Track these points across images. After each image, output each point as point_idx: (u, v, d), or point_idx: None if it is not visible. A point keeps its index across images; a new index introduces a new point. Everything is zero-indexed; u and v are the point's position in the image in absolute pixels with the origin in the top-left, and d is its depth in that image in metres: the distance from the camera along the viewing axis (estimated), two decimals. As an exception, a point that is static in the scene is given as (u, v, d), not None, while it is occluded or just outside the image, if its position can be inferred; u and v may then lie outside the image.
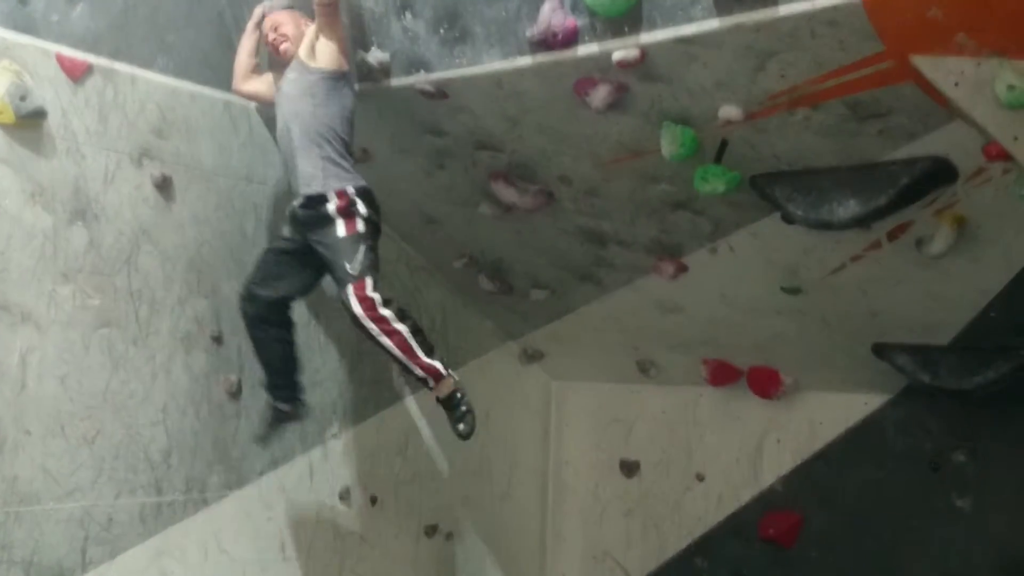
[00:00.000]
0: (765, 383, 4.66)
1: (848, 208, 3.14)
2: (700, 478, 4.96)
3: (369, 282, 3.32)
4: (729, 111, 3.09)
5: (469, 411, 3.50)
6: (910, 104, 2.84)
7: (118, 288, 3.42)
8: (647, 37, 2.94)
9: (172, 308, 3.61)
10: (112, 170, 3.41)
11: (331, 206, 3.40)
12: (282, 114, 3.54)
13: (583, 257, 4.33)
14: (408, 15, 3.42)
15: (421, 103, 3.62)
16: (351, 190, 3.43)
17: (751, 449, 4.81)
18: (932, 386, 3.94)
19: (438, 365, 3.44)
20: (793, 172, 3.27)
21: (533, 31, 3.13)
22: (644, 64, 3.02)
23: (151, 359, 3.52)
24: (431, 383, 3.46)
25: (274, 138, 3.78)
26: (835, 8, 2.56)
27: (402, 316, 3.38)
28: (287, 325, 3.69)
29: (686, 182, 3.47)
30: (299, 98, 3.46)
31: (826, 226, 3.25)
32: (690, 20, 2.83)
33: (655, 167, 3.49)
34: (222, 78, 3.78)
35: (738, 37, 2.79)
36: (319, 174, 3.42)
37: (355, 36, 3.59)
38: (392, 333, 3.35)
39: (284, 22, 3.60)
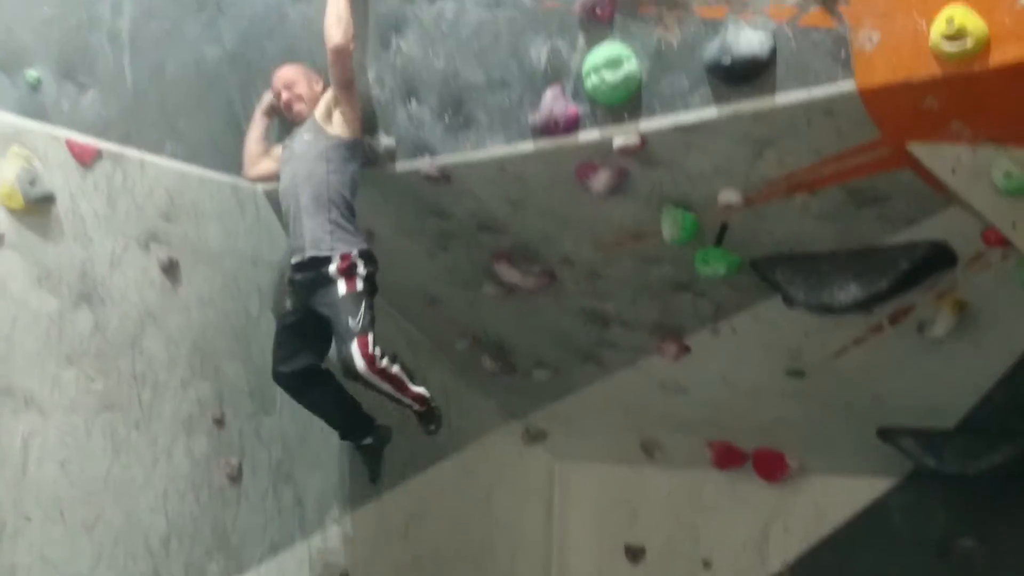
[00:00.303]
0: (771, 466, 4.62)
1: (849, 292, 3.16)
2: (707, 564, 4.87)
3: (371, 338, 3.40)
4: (728, 196, 3.14)
5: (441, 415, 3.88)
6: (908, 190, 2.87)
7: (122, 371, 3.41)
8: (647, 124, 3.00)
9: (175, 391, 3.59)
10: (119, 254, 3.44)
11: (332, 267, 3.45)
12: (291, 171, 3.57)
13: (586, 337, 4.34)
14: (414, 102, 3.49)
15: (425, 187, 3.67)
16: (355, 252, 3.49)
17: (757, 534, 4.75)
18: (937, 471, 3.91)
19: (423, 392, 3.69)
20: (793, 256, 3.30)
21: (535, 118, 3.19)
22: (644, 150, 3.07)
23: (153, 443, 3.50)
24: (417, 407, 3.73)
25: (280, 220, 3.83)
26: (831, 98, 2.62)
27: (393, 359, 3.52)
28: (325, 379, 3.78)
29: (687, 265, 3.50)
30: (314, 161, 3.50)
31: (827, 310, 3.26)
32: (688, 108, 2.89)
33: (656, 250, 3.53)
34: (230, 162, 3.84)
35: (736, 125, 2.84)
36: (327, 237, 3.47)
37: (361, 122, 3.65)
38: (391, 379, 3.50)
39: (296, 80, 3.63)
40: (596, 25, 2.99)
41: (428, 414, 3.80)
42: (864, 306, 3.25)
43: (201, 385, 3.70)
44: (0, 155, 3.09)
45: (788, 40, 2.63)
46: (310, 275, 3.51)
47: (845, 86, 2.57)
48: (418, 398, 3.67)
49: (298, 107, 3.64)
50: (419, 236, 4.09)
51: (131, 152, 3.51)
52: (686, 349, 4.06)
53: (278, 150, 3.78)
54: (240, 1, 3.86)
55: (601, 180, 3.28)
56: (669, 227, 3.32)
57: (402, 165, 3.63)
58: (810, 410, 4.15)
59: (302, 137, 3.58)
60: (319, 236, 3.47)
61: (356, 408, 3.89)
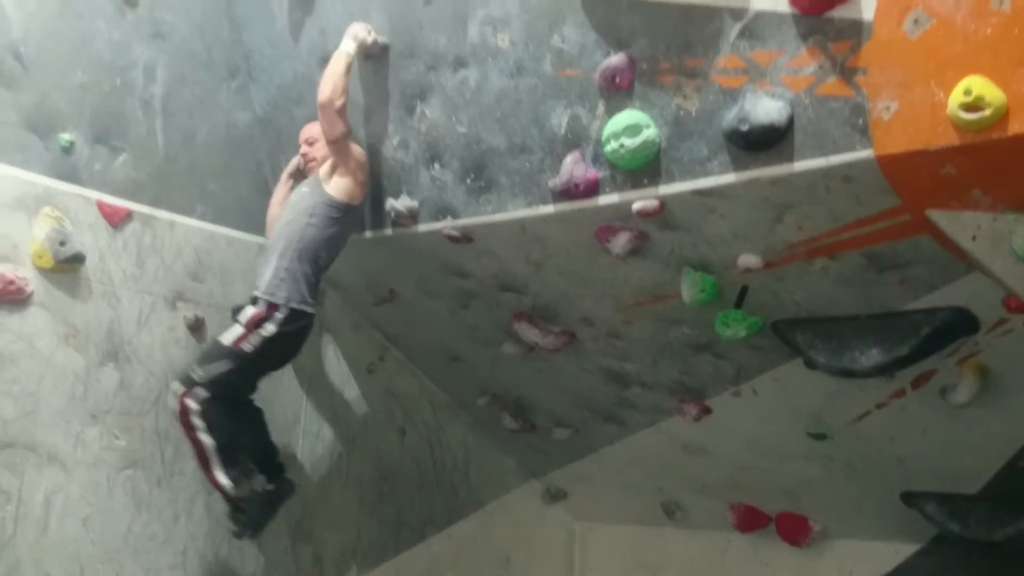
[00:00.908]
0: (794, 530, 4.55)
1: (870, 357, 3.13)
2: (728, 628, 4.79)
3: (200, 395, 3.33)
4: (748, 259, 3.14)
5: (249, 524, 3.56)
6: (928, 256, 2.87)
7: (145, 429, 3.45)
8: (666, 189, 3.03)
9: (197, 448, 3.61)
10: (146, 312, 3.50)
11: (247, 312, 3.43)
12: (283, 216, 3.61)
13: (606, 397, 4.33)
14: (437, 166, 3.55)
15: (447, 247, 3.71)
16: (283, 305, 3.43)
17: (780, 598, 4.66)
18: (962, 536, 3.83)
19: (224, 483, 3.40)
20: (814, 319, 3.29)
21: (556, 181, 3.23)
22: (663, 214, 3.09)
23: (174, 500, 3.52)
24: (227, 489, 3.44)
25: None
26: (849, 164, 2.63)
27: (209, 429, 3.36)
28: (243, 421, 3.59)
29: (707, 326, 3.50)
30: (301, 212, 3.54)
31: (849, 374, 3.24)
32: (707, 174, 2.92)
33: (676, 311, 3.53)
34: (258, 223, 3.92)
35: (755, 191, 2.86)
36: (274, 281, 3.45)
37: (385, 184, 3.72)
38: (194, 441, 3.37)
39: (319, 138, 3.68)
40: (615, 93, 3.04)
41: (235, 509, 3.53)
42: (886, 371, 3.22)
43: (223, 442, 3.72)
44: (32, 216, 3.17)
45: (805, 108, 2.66)
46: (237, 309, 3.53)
47: (863, 154, 2.59)
48: (217, 485, 3.42)
49: (311, 166, 3.71)
50: (441, 295, 4.12)
51: (161, 213, 3.59)
52: (707, 410, 4.03)
53: None
54: (270, 68, 3.97)
55: (621, 242, 3.30)
56: (689, 289, 3.33)
57: (424, 226, 3.68)
58: (833, 473, 4.10)
59: (301, 189, 3.64)
60: (268, 279, 3.46)
61: (274, 451, 3.72)
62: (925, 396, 3.44)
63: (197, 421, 3.34)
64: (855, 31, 2.56)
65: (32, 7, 3.21)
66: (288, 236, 3.50)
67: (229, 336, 3.40)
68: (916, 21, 2.46)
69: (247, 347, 3.39)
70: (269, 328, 3.41)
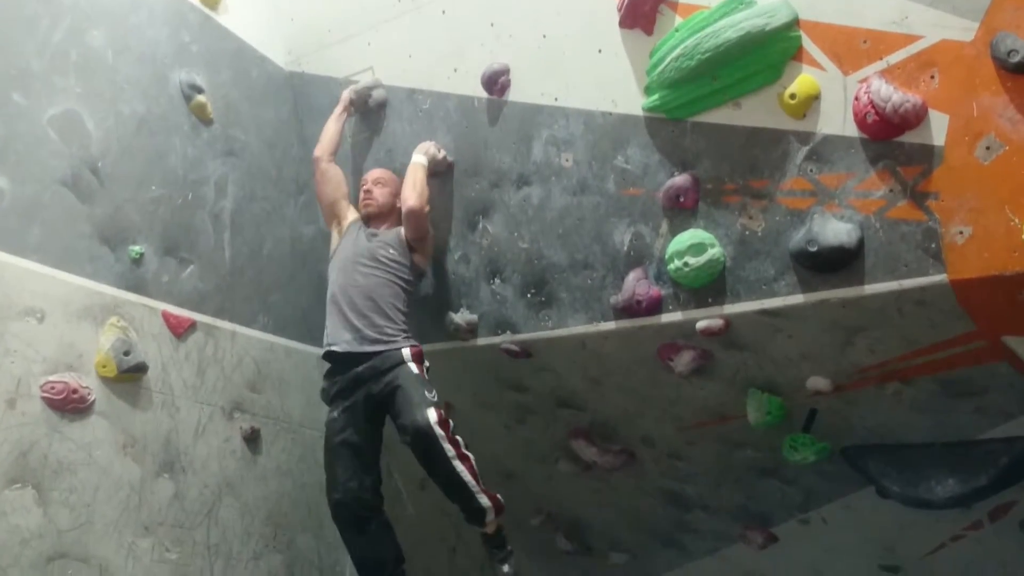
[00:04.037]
0: (865, 668, 4.29)
1: (947, 487, 3.01)
2: None
3: (443, 412, 3.33)
4: (817, 382, 3.07)
5: (512, 551, 3.48)
6: (1005, 382, 2.78)
7: (196, 542, 3.40)
8: (731, 308, 2.99)
9: (247, 563, 3.56)
10: (204, 423, 3.50)
11: (407, 351, 3.45)
12: (366, 272, 3.57)
13: (665, 521, 4.18)
14: (497, 280, 3.56)
15: (505, 361, 3.68)
16: (419, 346, 3.53)
17: None
18: None
19: (499, 496, 3.40)
20: (886, 446, 3.18)
21: (618, 298, 3.21)
22: (728, 333, 3.05)
23: (221, 616, 3.44)
24: (490, 516, 3.38)
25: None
26: (923, 288, 2.59)
27: (467, 446, 3.36)
28: (382, 516, 3.50)
29: (774, 450, 3.39)
30: (390, 272, 3.57)
31: (924, 505, 3.11)
32: (774, 295, 2.88)
33: (741, 433, 3.44)
34: (316, 335, 3.91)
35: (824, 312, 2.81)
36: (399, 334, 3.49)
37: (445, 298, 3.73)
38: (464, 458, 3.32)
39: (385, 183, 3.76)
40: (679, 212, 3.04)
41: (497, 537, 3.48)
42: (963, 502, 3.10)
43: (273, 558, 3.67)
44: (99, 325, 3.21)
45: (876, 231, 2.63)
46: (376, 364, 3.45)
47: (937, 278, 2.54)
48: (494, 498, 3.38)
49: (370, 210, 3.74)
50: (497, 409, 4.07)
51: (224, 324, 3.63)
52: (773, 538, 3.88)
53: (340, 175, 3.86)
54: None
55: (684, 360, 3.25)
56: (755, 411, 3.25)
57: (483, 340, 3.67)
58: (906, 608, 3.88)
59: (387, 250, 3.62)
60: (391, 332, 3.48)
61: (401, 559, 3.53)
62: (1004, 529, 3.29)
63: (459, 437, 3.35)
64: (926, 156, 2.55)
65: (111, 124, 3.34)
66: (395, 294, 3.56)
67: (414, 369, 3.44)
68: (988, 147, 2.45)
69: (426, 373, 3.48)
70: (426, 361, 3.51)
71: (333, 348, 3.52)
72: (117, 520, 3.18)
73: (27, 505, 2.93)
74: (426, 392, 3.36)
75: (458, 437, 3.34)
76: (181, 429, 3.43)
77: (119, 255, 3.33)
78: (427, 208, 3.60)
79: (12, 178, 3.00)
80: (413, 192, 3.56)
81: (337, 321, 3.55)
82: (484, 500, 3.36)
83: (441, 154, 3.66)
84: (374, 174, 3.81)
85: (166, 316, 3.44)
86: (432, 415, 3.27)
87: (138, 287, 3.38)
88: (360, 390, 3.48)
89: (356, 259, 3.61)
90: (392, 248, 3.64)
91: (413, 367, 3.44)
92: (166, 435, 3.37)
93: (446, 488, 3.35)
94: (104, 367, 3.21)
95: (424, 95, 3.75)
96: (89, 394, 3.15)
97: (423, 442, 3.27)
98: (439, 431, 3.26)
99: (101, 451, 3.17)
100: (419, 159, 3.63)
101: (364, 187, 3.78)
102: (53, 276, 3.10)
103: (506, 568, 3.49)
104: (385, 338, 3.48)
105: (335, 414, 3.52)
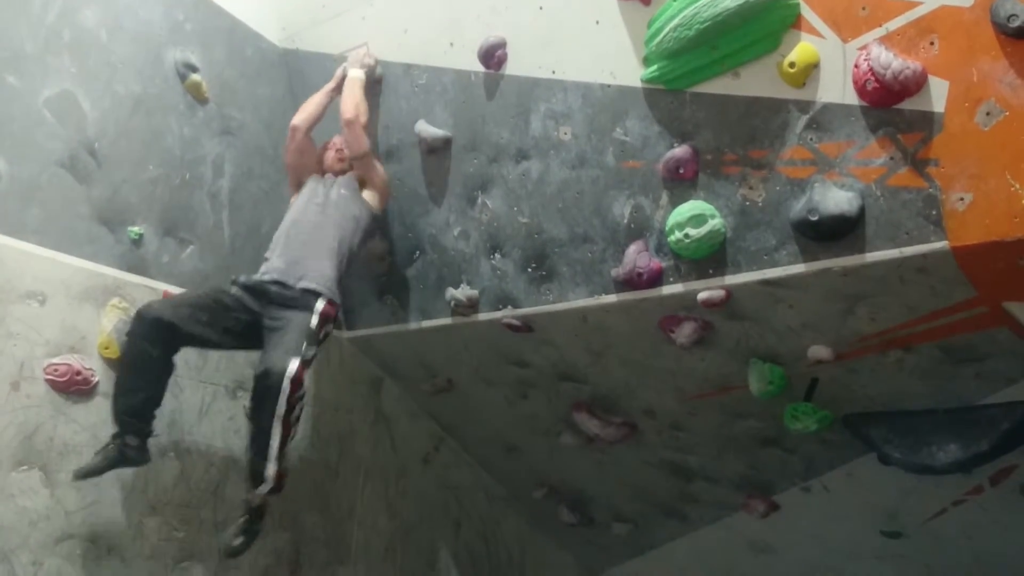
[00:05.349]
0: (867, 634, 4.34)
1: (949, 453, 3.03)
2: None
3: (308, 373, 3.17)
4: (818, 351, 3.07)
5: (259, 532, 3.23)
6: (1006, 349, 2.78)
7: (203, 520, 3.42)
8: (732, 279, 2.99)
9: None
10: (208, 402, 3.51)
11: (321, 303, 3.33)
12: (316, 211, 3.55)
13: (668, 491, 4.21)
14: (497, 255, 3.56)
15: (507, 336, 3.69)
16: (338, 309, 3.48)
17: None
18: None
19: (286, 478, 3.16)
20: (888, 413, 3.19)
21: (618, 272, 3.21)
22: (729, 304, 3.05)
23: (229, 594, 3.46)
24: (265, 488, 3.10)
25: (361, 364, 3.81)
26: (924, 256, 2.58)
27: (298, 420, 3.16)
28: (170, 359, 3.25)
29: (775, 419, 3.41)
30: (349, 217, 3.58)
31: (926, 470, 3.13)
32: (775, 265, 2.88)
33: (743, 403, 3.45)
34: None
35: (825, 281, 2.81)
36: (331, 283, 3.41)
37: (445, 274, 3.73)
38: (286, 425, 3.07)
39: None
40: (679, 184, 3.03)
41: (258, 513, 3.20)
42: (964, 467, 3.11)
43: (279, 535, 3.68)
44: (100, 307, 3.22)
45: (877, 199, 2.63)
46: (288, 295, 3.34)
47: (938, 245, 2.54)
48: (281, 475, 3.11)
49: (343, 159, 3.75)
50: (499, 385, 4.08)
51: (225, 303, 3.61)
52: (775, 507, 3.91)
53: (312, 146, 3.82)
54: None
55: (685, 332, 3.25)
56: (756, 381, 3.26)
57: (484, 315, 3.67)
58: (907, 573, 3.92)
59: (339, 190, 3.63)
60: (327, 276, 3.41)
61: (158, 403, 3.23)
62: (1004, 493, 3.31)
63: (299, 409, 3.14)
64: (926, 123, 2.54)
65: (107, 105, 3.32)
66: (341, 237, 3.52)
67: (312, 322, 3.29)
68: (988, 113, 2.44)
69: (322, 333, 3.35)
70: (330, 326, 3.40)
71: (262, 278, 3.39)
72: (124, 500, 3.20)
73: (34, 487, 2.96)
74: (304, 344, 3.20)
75: (301, 405, 3.14)
76: (185, 409, 3.44)
77: (119, 236, 3.33)
78: (364, 119, 3.67)
79: (10, 160, 2.99)
80: (350, 103, 3.65)
81: (278, 252, 3.47)
82: (272, 470, 3.10)
83: (371, 59, 3.81)
84: (339, 138, 3.81)
85: (167, 296, 3.43)
86: (293, 366, 3.08)
87: (139, 268, 3.38)
88: (252, 302, 3.34)
89: (310, 201, 3.62)
90: (343, 189, 3.66)
91: (314, 320, 3.30)
92: (170, 415, 3.37)
93: (252, 437, 3.12)
94: (107, 348, 3.21)
95: (420, 70, 3.72)
96: (92, 376, 3.16)
97: (266, 383, 3.07)
98: (286, 384, 3.05)
99: (106, 432, 3.17)
100: (356, 73, 3.74)
101: (335, 148, 3.79)
102: (53, 258, 3.11)
103: (237, 541, 3.17)
104: (312, 284, 3.37)
105: (235, 292, 3.37)
